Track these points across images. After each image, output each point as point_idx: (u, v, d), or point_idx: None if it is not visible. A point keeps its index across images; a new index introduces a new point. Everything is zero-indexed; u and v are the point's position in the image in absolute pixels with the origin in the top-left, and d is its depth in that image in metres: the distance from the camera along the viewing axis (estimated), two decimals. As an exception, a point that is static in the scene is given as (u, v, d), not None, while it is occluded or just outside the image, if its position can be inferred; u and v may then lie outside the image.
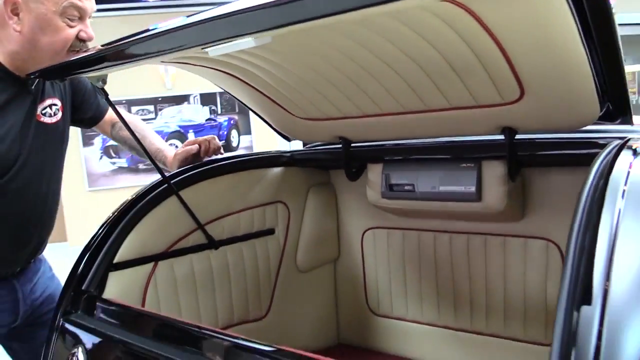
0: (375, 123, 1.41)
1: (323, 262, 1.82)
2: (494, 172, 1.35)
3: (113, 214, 1.33)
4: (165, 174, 1.44)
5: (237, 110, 6.01)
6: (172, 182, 1.38)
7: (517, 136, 1.26)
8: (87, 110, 1.59)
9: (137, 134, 1.42)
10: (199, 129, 5.92)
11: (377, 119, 1.39)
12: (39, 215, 1.42)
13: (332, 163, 1.70)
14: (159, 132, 5.69)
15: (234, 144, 6.03)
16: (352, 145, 1.57)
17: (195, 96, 5.90)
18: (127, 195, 1.41)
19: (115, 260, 1.27)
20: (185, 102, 5.91)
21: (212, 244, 1.46)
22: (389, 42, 1.05)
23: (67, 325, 1.20)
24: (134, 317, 1.17)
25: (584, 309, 0.65)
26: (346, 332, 1.88)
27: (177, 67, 1.40)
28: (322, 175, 1.81)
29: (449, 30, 0.97)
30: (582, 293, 0.66)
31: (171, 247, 1.38)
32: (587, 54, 0.96)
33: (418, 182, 1.47)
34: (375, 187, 1.58)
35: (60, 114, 1.44)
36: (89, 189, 5.87)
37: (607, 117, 1.16)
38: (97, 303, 1.21)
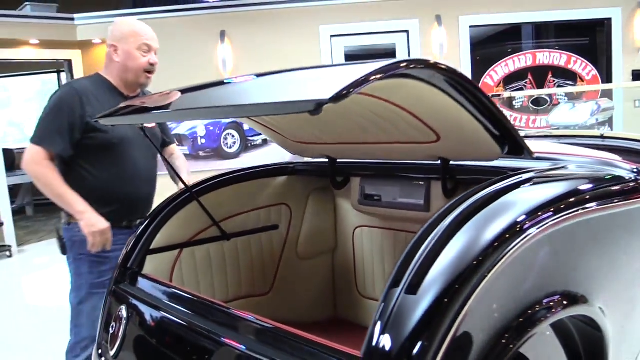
0: (350, 148, 1.82)
1: (321, 252, 2.24)
2: (438, 189, 1.71)
3: (152, 212, 1.82)
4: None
5: (288, 103, 6.47)
6: (194, 190, 1.85)
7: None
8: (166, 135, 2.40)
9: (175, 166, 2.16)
10: (253, 120, 6.44)
11: (351, 146, 1.80)
12: (148, 180, 2.19)
13: (324, 174, 2.11)
14: (217, 124, 6.27)
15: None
16: (339, 161, 1.98)
17: (250, 90, 6.42)
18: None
19: (152, 247, 1.75)
20: (241, 95, 6.43)
21: (225, 236, 1.92)
22: (355, 106, 1.45)
23: (117, 291, 1.70)
24: (162, 289, 1.64)
25: (409, 297, 1.02)
26: (340, 309, 2.30)
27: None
28: (322, 182, 2.22)
29: (378, 105, 1.36)
30: (409, 285, 1.02)
31: (193, 238, 1.85)
32: (471, 114, 1.32)
33: (383, 193, 1.86)
34: (355, 195, 1.98)
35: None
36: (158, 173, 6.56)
37: (513, 153, 1.50)
38: (138, 277, 1.70)
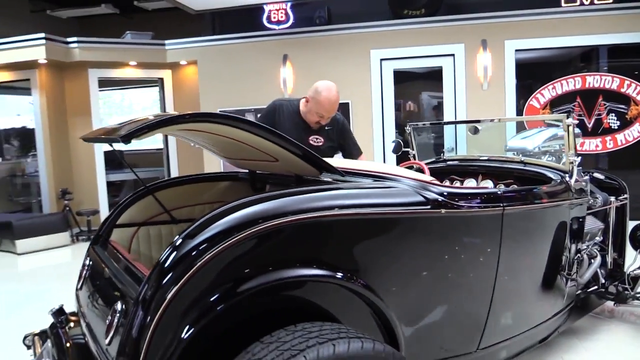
0: (249, 163, 2.43)
1: None
2: None
3: (122, 201, 2.56)
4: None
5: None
6: (150, 186, 2.55)
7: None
8: (345, 145, 3.35)
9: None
10: (308, 134, 7.16)
11: (247, 161, 2.40)
12: None
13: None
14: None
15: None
16: (258, 172, 2.58)
17: (307, 107, 7.14)
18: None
19: (118, 222, 2.49)
20: (299, 112, 7.19)
21: (174, 220, 2.60)
22: (221, 136, 2.02)
23: (92, 248, 2.43)
24: (116, 253, 2.35)
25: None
26: None
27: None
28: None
29: (227, 138, 1.97)
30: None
31: (148, 220, 2.56)
32: (277, 145, 1.86)
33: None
34: None
35: (321, 142, 3.23)
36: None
37: (329, 171, 2.02)
38: (107, 242, 2.43)
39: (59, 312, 2.21)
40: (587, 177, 3.41)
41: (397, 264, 1.84)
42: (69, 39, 6.82)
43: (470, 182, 3.08)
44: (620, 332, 3.28)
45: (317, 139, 3.25)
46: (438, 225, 1.92)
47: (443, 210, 1.90)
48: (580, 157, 3.23)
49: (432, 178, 2.08)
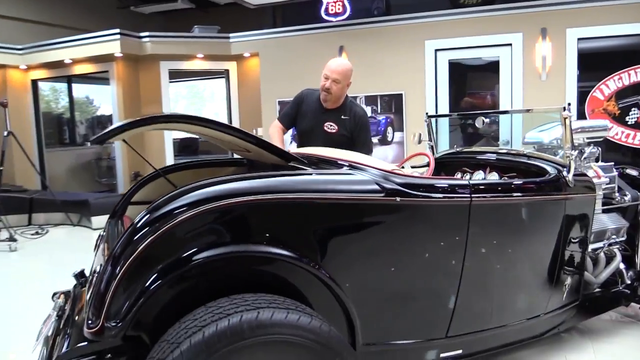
0: (241, 153, 2.62)
1: None
2: None
3: (138, 181, 2.86)
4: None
5: (393, 110, 7.11)
6: (162, 169, 2.83)
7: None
8: (356, 140, 3.39)
9: None
10: (361, 124, 7.26)
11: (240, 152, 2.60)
12: None
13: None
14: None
15: (389, 139, 7.17)
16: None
17: (362, 97, 7.22)
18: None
19: (132, 200, 2.79)
20: (353, 102, 7.30)
21: None
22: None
23: (108, 221, 2.76)
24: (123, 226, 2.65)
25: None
26: None
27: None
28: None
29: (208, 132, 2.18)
30: None
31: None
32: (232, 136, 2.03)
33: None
34: None
35: (335, 130, 3.37)
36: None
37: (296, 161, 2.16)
38: (123, 216, 2.74)
39: (80, 275, 2.54)
40: (615, 173, 3.27)
41: (349, 247, 1.96)
42: (142, 34, 7.40)
43: (479, 175, 3.08)
44: (641, 336, 3.13)
45: (331, 125, 3.40)
46: (393, 213, 2.01)
47: (398, 199, 1.98)
48: (598, 149, 3.12)
49: (394, 167, 2.16)
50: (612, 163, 3.36)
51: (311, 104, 3.46)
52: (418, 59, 6.77)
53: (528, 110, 3.38)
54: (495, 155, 3.09)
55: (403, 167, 3.31)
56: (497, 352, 2.78)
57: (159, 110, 7.74)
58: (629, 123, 5.98)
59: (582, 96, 6.13)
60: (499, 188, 2.35)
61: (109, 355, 1.76)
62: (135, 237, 1.73)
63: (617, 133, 6.00)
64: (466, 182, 2.19)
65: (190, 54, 7.75)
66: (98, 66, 7.62)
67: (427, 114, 3.69)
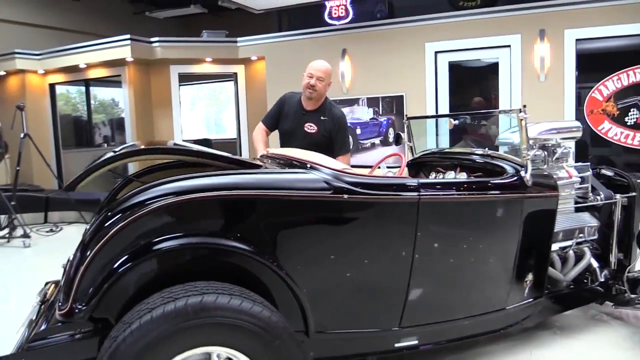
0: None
1: None
2: None
3: (118, 183, 3.06)
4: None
5: (394, 112, 7.22)
6: (135, 174, 3.01)
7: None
8: (334, 140, 3.58)
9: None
10: (364, 125, 7.38)
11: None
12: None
13: None
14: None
15: (390, 140, 7.28)
16: None
17: (363, 99, 7.35)
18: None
19: (117, 197, 3.00)
20: (356, 104, 7.42)
21: None
22: None
23: (94, 217, 2.98)
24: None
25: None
26: None
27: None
28: None
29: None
30: None
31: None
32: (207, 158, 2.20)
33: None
34: None
35: (314, 130, 3.55)
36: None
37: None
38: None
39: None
40: (589, 173, 3.35)
41: (299, 241, 2.12)
42: (152, 39, 7.67)
43: (450, 175, 3.20)
44: (612, 334, 3.19)
45: (311, 126, 3.57)
46: (342, 210, 2.16)
47: (345, 196, 2.13)
48: (569, 149, 3.20)
49: (345, 166, 2.31)
50: (589, 163, 3.44)
51: (293, 105, 3.66)
52: (419, 61, 6.87)
53: (488, 113, 3.48)
54: (465, 156, 3.21)
55: (379, 168, 3.46)
56: (462, 346, 2.91)
57: (168, 114, 8.01)
58: (628, 124, 5.98)
59: (581, 97, 6.15)
60: (453, 187, 2.47)
61: (79, 335, 1.96)
62: (103, 228, 1.94)
63: (617, 134, 6.01)
64: (415, 181, 2.33)
65: (199, 57, 7.99)
66: (111, 70, 7.92)
67: (406, 115, 3.82)
